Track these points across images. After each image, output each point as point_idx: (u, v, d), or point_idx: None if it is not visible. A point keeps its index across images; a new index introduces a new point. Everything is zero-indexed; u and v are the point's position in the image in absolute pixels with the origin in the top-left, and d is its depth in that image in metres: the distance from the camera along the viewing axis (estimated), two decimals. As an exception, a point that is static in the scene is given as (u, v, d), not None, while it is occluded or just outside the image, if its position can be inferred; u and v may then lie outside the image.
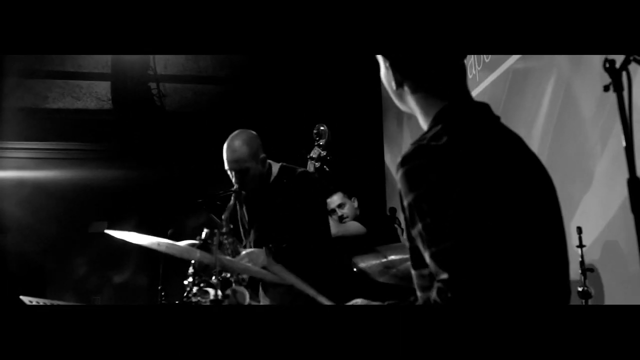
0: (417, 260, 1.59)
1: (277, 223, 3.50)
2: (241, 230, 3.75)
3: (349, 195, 4.91)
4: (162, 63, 7.29)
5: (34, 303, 3.10)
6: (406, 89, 1.73)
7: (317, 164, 4.31)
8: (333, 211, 4.82)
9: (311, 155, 4.37)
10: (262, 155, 3.47)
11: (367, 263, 3.02)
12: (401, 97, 1.77)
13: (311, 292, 2.17)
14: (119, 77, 7.11)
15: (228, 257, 2.90)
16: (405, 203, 1.52)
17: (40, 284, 6.62)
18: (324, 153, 4.34)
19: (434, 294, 1.44)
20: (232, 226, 3.30)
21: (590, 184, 3.52)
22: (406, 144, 6.31)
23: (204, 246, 2.85)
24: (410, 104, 1.75)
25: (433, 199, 1.45)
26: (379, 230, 4.71)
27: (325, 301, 2.13)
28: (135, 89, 7.11)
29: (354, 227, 4.66)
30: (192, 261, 2.96)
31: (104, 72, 7.22)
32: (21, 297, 2.94)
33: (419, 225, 1.48)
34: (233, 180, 3.44)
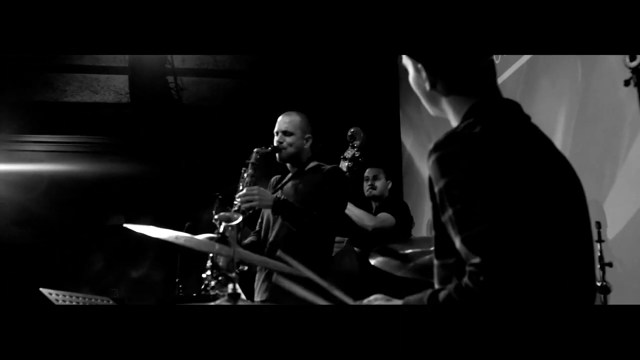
0: (441, 249, 1.60)
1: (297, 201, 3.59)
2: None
3: (387, 176, 5.11)
4: (180, 57, 7.31)
5: (53, 295, 3.12)
6: (439, 89, 1.74)
7: (350, 164, 4.53)
8: (367, 179, 5.07)
9: (344, 155, 4.61)
10: (309, 135, 3.75)
11: (384, 257, 3.01)
12: (433, 99, 1.79)
13: (326, 285, 2.16)
14: (137, 70, 7.13)
15: (246, 251, 2.90)
16: (436, 189, 1.53)
17: (58, 277, 6.67)
18: (357, 154, 4.56)
19: (465, 279, 1.43)
20: (259, 157, 3.59)
21: (614, 180, 3.49)
22: (426, 130, 6.30)
23: (223, 239, 2.85)
24: (442, 105, 1.77)
25: (464, 184, 1.46)
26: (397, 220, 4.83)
27: (341, 295, 2.10)
28: (153, 82, 7.13)
29: (387, 219, 4.76)
30: (210, 255, 2.97)
31: (122, 66, 7.25)
32: (40, 289, 2.96)
33: (450, 211, 1.48)
34: (275, 142, 3.70)
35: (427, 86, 1.75)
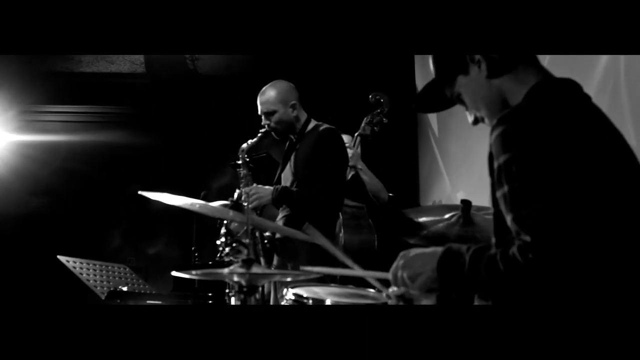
0: (500, 227, 1.58)
1: (296, 173, 3.63)
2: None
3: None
4: (194, 26, 7.27)
5: (70, 262, 3.16)
6: (496, 80, 1.71)
7: (377, 128, 4.49)
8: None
9: (370, 119, 4.54)
10: (293, 102, 3.69)
11: (398, 224, 3.02)
12: (489, 92, 1.73)
13: (342, 257, 2.16)
14: (152, 40, 7.12)
15: (260, 218, 2.93)
16: (496, 164, 1.51)
17: (76, 246, 6.74)
18: (385, 120, 4.52)
19: (514, 248, 1.41)
20: (247, 158, 3.61)
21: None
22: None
23: (237, 206, 2.88)
24: (493, 91, 1.72)
25: (524, 163, 1.44)
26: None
27: (356, 268, 2.09)
28: (168, 52, 7.13)
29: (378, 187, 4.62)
30: (225, 221, 3.00)
31: (137, 36, 7.23)
32: (58, 256, 3.00)
33: (505, 188, 1.47)
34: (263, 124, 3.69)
35: (484, 73, 1.71)
